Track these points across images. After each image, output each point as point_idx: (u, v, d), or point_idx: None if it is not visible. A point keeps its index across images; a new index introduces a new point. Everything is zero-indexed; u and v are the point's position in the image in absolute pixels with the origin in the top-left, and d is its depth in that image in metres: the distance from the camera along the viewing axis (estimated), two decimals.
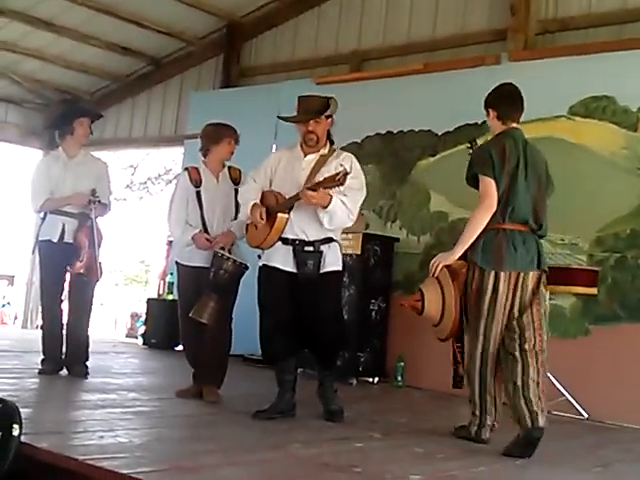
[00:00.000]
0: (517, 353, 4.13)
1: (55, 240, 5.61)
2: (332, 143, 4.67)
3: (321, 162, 4.53)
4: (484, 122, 6.74)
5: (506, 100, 4.36)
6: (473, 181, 4.29)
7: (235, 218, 5.02)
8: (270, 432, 4.13)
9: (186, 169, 5.23)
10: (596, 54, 6.36)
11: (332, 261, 4.50)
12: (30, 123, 11.01)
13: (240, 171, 5.13)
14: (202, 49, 9.78)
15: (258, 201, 4.51)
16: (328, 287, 4.49)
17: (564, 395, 5.58)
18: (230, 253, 4.91)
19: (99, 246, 5.57)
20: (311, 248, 4.45)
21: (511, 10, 7.09)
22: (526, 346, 4.14)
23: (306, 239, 4.45)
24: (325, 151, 4.60)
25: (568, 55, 6.53)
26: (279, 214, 4.41)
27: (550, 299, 5.78)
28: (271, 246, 4.49)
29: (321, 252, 4.46)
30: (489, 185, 4.15)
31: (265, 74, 9.11)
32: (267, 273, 4.54)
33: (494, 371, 4.22)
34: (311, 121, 4.51)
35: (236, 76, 9.36)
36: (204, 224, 5.02)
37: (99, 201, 5.56)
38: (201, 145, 5.19)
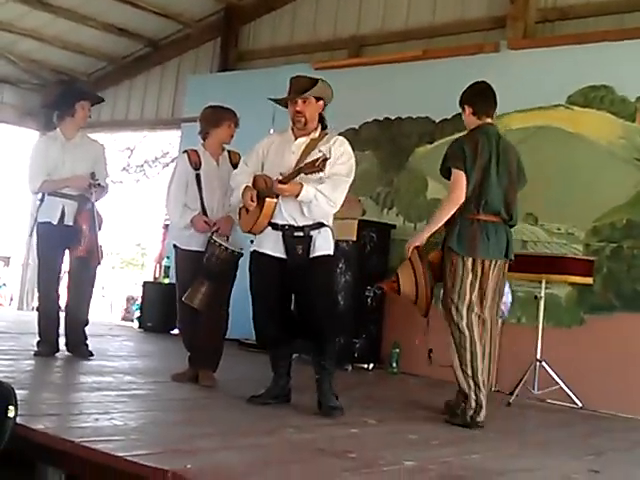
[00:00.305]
0: (484, 336, 4.51)
1: (55, 222, 5.59)
2: (324, 127, 4.57)
3: (311, 146, 4.44)
4: None
5: (481, 97, 4.67)
6: (446, 173, 4.58)
7: None
8: (265, 417, 4.15)
9: (185, 151, 5.19)
10: (595, 43, 6.35)
11: (322, 245, 4.39)
12: (26, 104, 10.96)
13: (240, 155, 5.08)
14: (200, 32, 9.73)
15: (250, 184, 4.45)
16: (318, 272, 4.37)
17: (558, 384, 5.60)
18: (228, 239, 4.91)
19: (99, 229, 5.59)
20: (301, 233, 4.36)
21: None
22: (492, 331, 4.57)
23: (295, 224, 4.37)
24: (316, 135, 4.50)
25: (567, 44, 6.52)
26: (267, 199, 4.33)
27: (546, 288, 5.82)
28: (262, 231, 4.43)
29: (311, 237, 4.37)
30: (460, 177, 4.45)
31: (263, 58, 9.08)
32: (258, 259, 4.48)
33: (483, 354, 4.46)
34: (299, 101, 4.42)
35: (234, 60, 9.32)
36: (203, 207, 5.00)
37: (99, 184, 5.55)
38: (200, 128, 5.16)
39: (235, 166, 5.02)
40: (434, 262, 4.59)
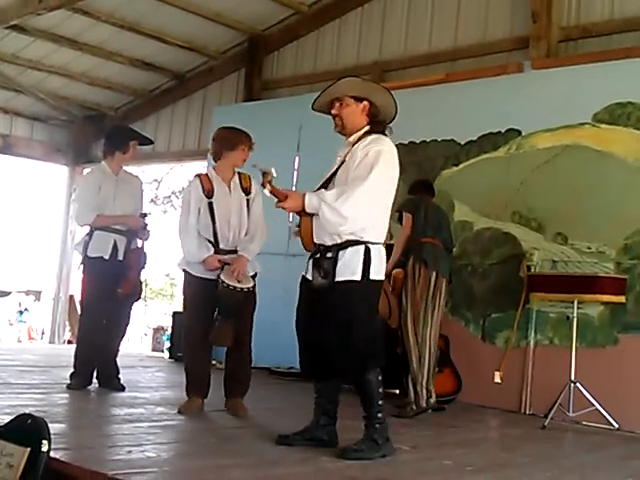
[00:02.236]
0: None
1: (106, 257, 5.59)
2: (370, 131, 3.93)
3: (350, 153, 3.92)
4: (507, 130, 6.77)
5: (420, 187, 6.08)
6: (399, 216, 5.71)
7: (247, 231, 4.89)
8: (297, 446, 4.09)
9: (197, 176, 4.94)
10: (619, 60, 6.31)
11: (344, 269, 3.79)
12: (55, 140, 11.13)
13: (250, 178, 4.92)
14: (224, 63, 9.85)
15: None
16: (332, 301, 3.80)
17: (593, 405, 5.50)
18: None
19: (144, 267, 5.71)
20: (330, 254, 3.82)
21: (532, 18, 7.07)
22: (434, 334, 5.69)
23: (324, 244, 3.85)
24: (351, 139, 3.94)
25: (591, 62, 6.49)
26: (302, 216, 3.88)
27: (578, 308, 5.75)
28: (310, 250, 3.96)
29: (336, 259, 3.80)
30: (409, 219, 5.73)
31: (287, 87, 9.15)
32: (300, 283, 4.06)
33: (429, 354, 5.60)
34: (336, 103, 3.94)
35: (258, 89, 9.40)
36: (216, 238, 4.81)
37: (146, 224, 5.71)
38: (213, 149, 4.96)
39: (246, 190, 4.89)
40: (397, 278, 5.61)
